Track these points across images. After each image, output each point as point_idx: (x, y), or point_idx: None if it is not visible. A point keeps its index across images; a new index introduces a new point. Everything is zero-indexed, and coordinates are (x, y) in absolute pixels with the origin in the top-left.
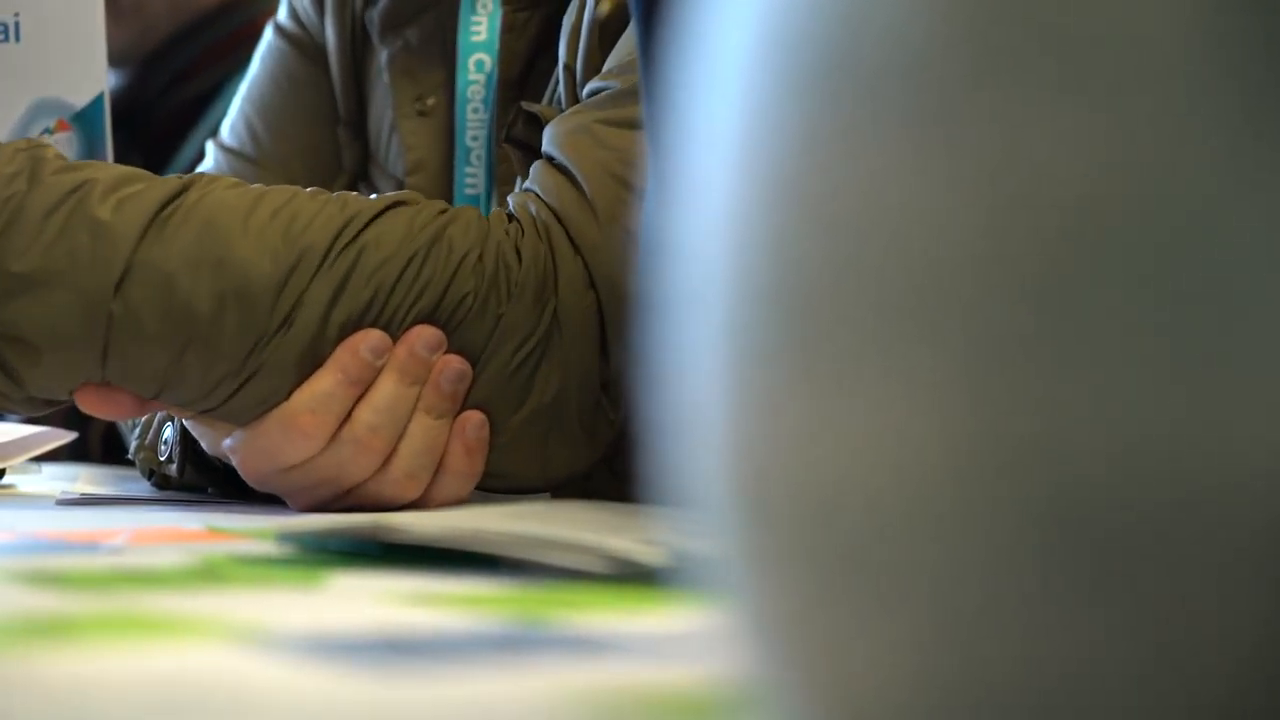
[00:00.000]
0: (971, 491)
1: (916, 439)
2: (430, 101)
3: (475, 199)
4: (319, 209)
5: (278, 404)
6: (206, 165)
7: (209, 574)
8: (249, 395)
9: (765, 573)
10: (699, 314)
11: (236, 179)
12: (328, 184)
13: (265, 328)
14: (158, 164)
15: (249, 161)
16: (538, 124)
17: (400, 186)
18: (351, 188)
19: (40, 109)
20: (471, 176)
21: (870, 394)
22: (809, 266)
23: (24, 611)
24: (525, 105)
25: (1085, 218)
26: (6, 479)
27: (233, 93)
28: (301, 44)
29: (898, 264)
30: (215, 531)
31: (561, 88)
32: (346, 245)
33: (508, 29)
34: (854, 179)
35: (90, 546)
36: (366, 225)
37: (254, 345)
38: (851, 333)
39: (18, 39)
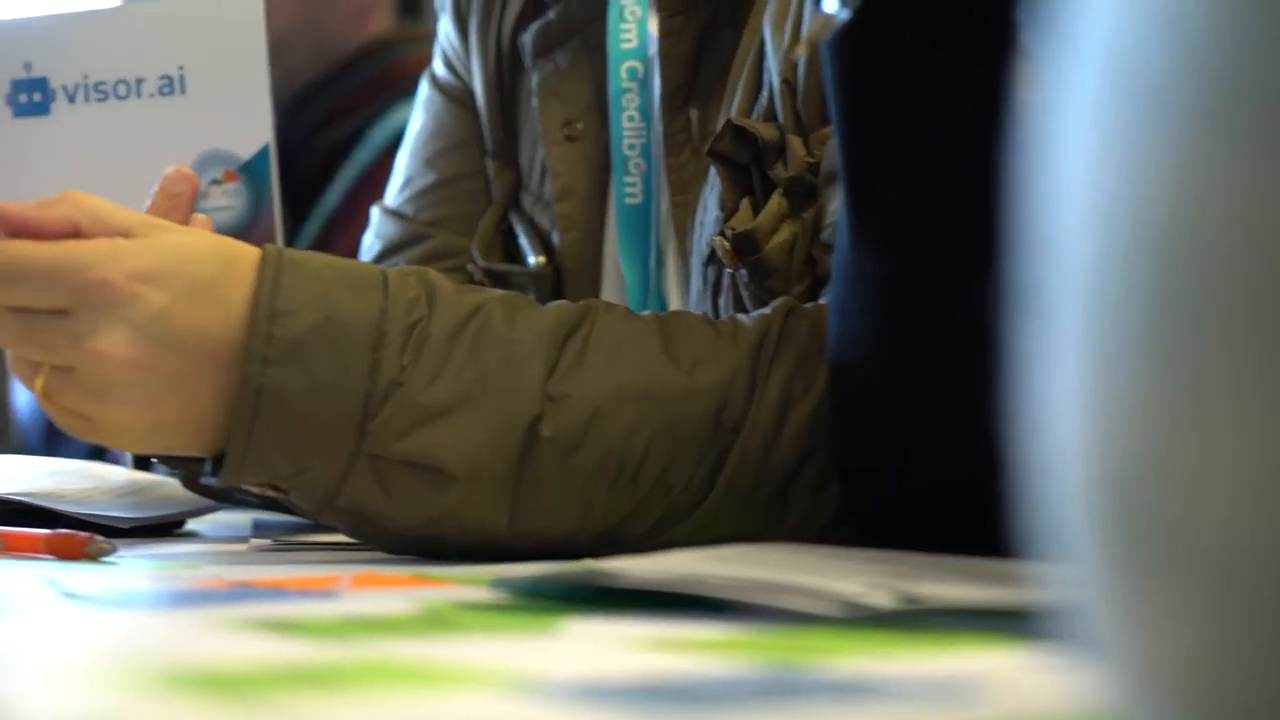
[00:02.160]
0: None
1: None
2: (579, 126)
3: (635, 209)
4: (714, 334)
5: None
6: (372, 231)
7: (438, 621)
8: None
9: (1168, 621)
10: (1074, 359)
11: (626, 308)
12: (478, 217)
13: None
14: (300, 210)
15: (409, 221)
16: (744, 138)
17: (553, 213)
18: (502, 219)
19: (208, 160)
20: (631, 186)
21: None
22: (1195, 299)
23: (275, 660)
24: (736, 120)
25: None
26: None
27: (374, 138)
28: (448, 89)
29: None
30: (423, 578)
31: (779, 102)
32: (770, 368)
33: (665, 35)
34: (1251, 209)
35: (316, 595)
36: (780, 340)
37: (689, 476)
38: (1242, 363)
39: (184, 91)
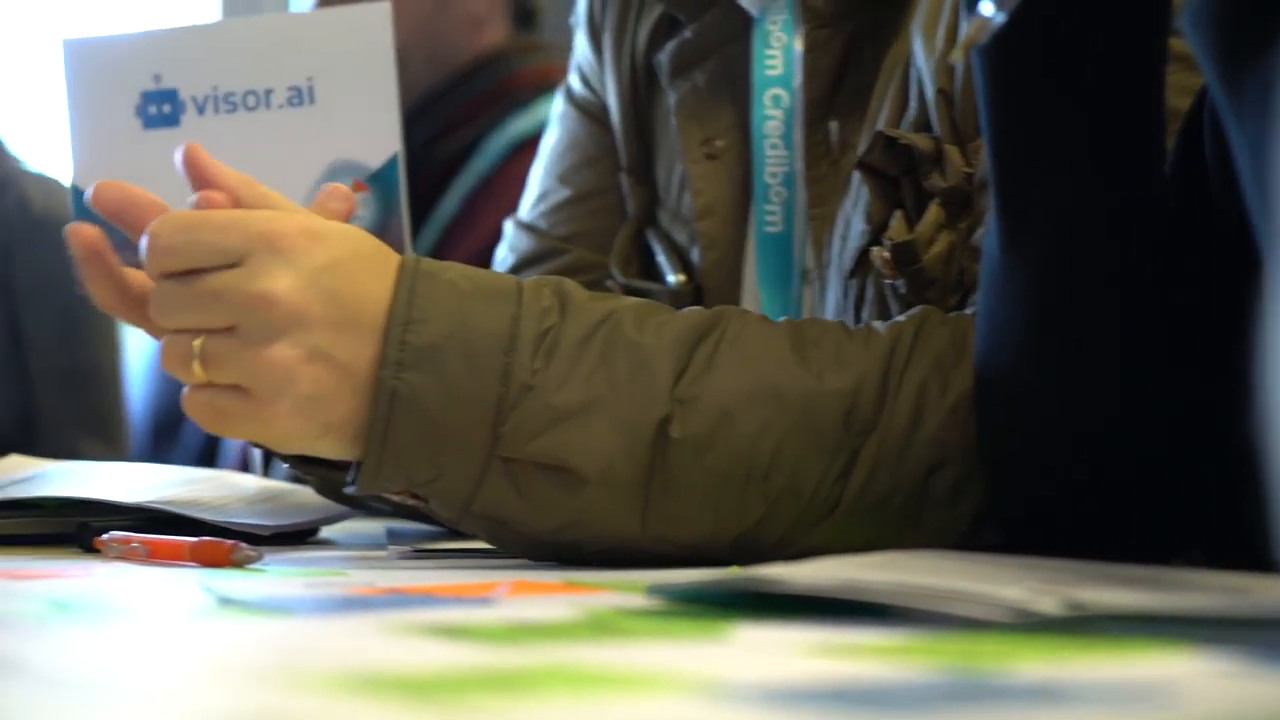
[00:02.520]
0: None
1: None
2: (719, 144)
3: (774, 236)
4: (846, 338)
5: None
6: (505, 244)
7: (602, 627)
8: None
9: None
10: None
11: (761, 315)
12: (613, 232)
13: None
14: (416, 219)
15: (543, 235)
16: (895, 150)
17: (692, 231)
18: (638, 235)
19: (337, 170)
20: (771, 214)
21: None
22: None
23: (455, 664)
24: (887, 131)
25: None
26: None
27: (490, 148)
28: (583, 105)
29: None
30: (575, 584)
31: (934, 112)
32: (904, 372)
33: (810, 48)
34: None
35: (471, 601)
36: (914, 345)
37: (819, 479)
38: None
39: (313, 102)
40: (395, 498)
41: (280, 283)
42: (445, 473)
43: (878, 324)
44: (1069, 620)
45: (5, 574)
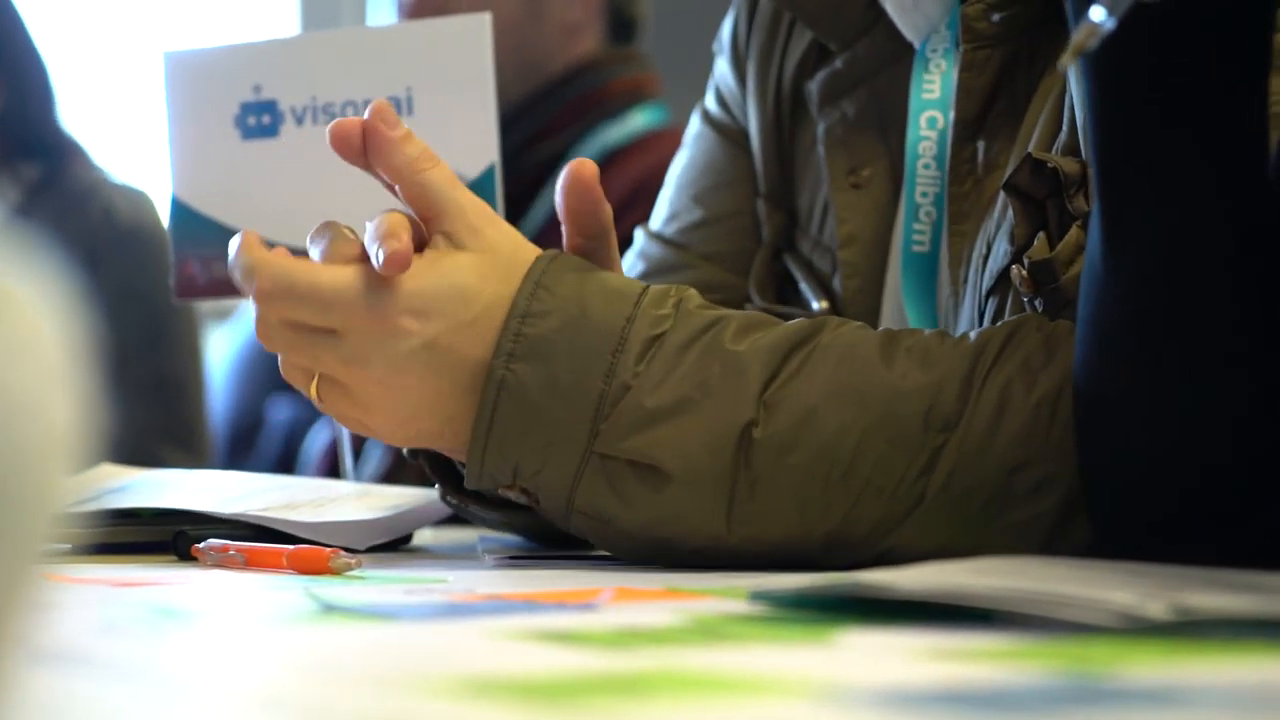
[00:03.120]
0: None
1: None
2: (865, 173)
3: (921, 257)
4: (938, 341)
5: None
6: (635, 251)
7: (710, 632)
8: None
9: None
10: None
11: (861, 323)
12: (752, 251)
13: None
14: None
15: (675, 247)
16: (1043, 173)
17: (833, 258)
18: (774, 259)
19: None
20: (919, 234)
21: None
22: None
23: (571, 669)
24: (1036, 154)
25: None
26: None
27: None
28: (722, 127)
29: None
30: (677, 591)
31: (1082, 136)
32: (989, 372)
33: (966, 67)
34: None
35: (574, 608)
36: (1004, 346)
37: (901, 476)
38: None
39: (410, 112)
40: (513, 495)
41: (372, 367)
42: (547, 464)
43: (974, 330)
44: (1177, 625)
45: (108, 582)
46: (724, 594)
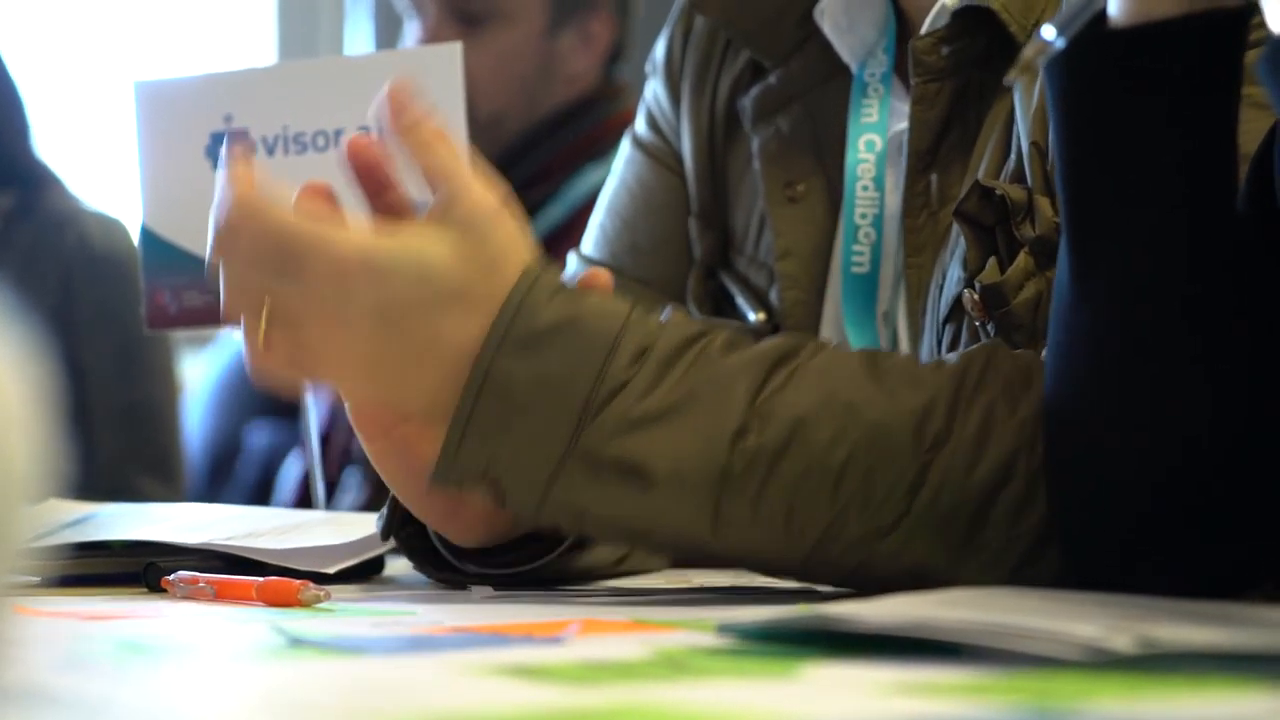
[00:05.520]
0: None
1: None
2: (801, 188)
3: (861, 278)
4: (917, 363)
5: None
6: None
7: (676, 666)
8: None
9: None
10: None
11: (840, 345)
12: (684, 274)
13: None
14: None
15: (615, 274)
16: (991, 200)
17: (770, 273)
18: (707, 278)
19: None
20: (859, 255)
21: None
22: None
23: (534, 706)
24: (984, 181)
25: None
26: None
27: (568, 195)
28: (652, 151)
29: None
30: (644, 623)
31: (1028, 164)
32: (974, 393)
33: (917, 100)
34: None
35: (541, 641)
36: (984, 370)
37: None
38: None
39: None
40: (478, 490)
41: (336, 316)
42: (525, 462)
43: (949, 355)
44: (1143, 658)
45: (75, 615)
46: (691, 626)
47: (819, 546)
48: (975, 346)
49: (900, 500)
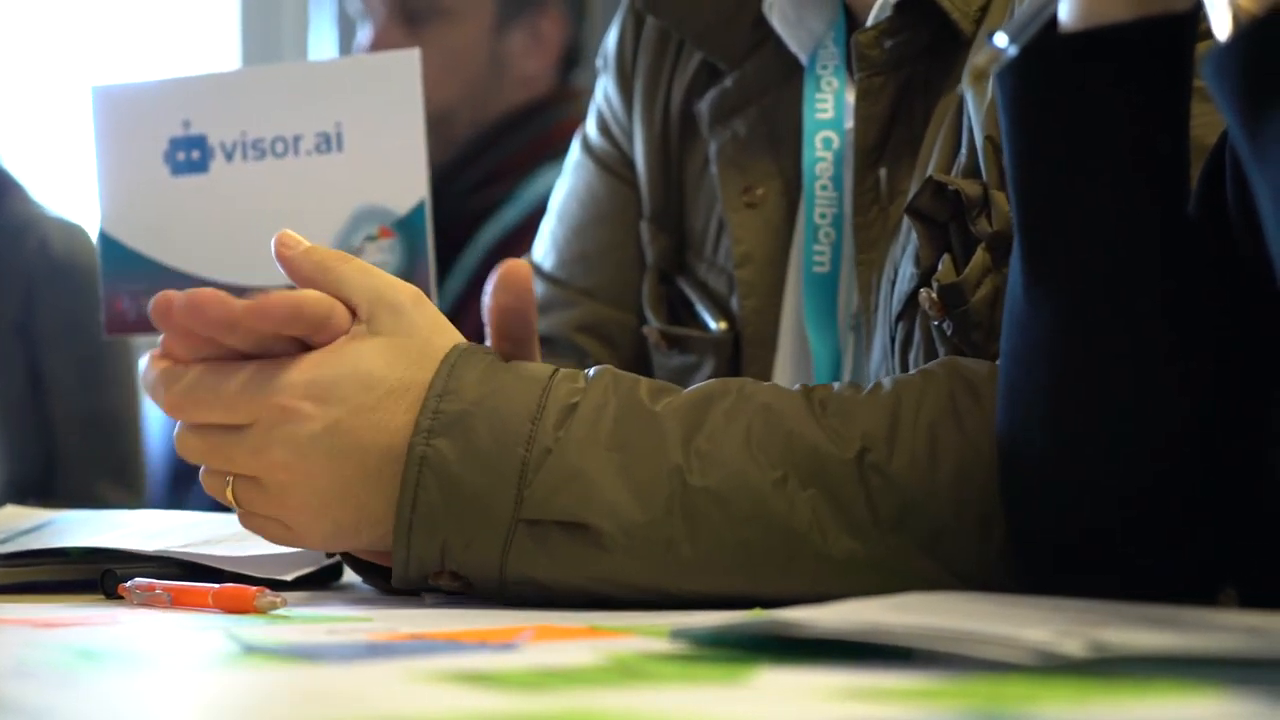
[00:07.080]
0: None
1: None
2: (759, 192)
3: (822, 278)
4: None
5: None
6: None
7: (628, 672)
8: None
9: None
10: None
11: (774, 384)
12: (634, 282)
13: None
14: (444, 266)
15: (555, 283)
16: (944, 195)
17: (730, 279)
18: (661, 281)
19: (363, 216)
20: (819, 255)
21: None
22: None
23: (479, 712)
24: (937, 177)
25: None
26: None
27: (522, 198)
28: (601, 158)
29: None
30: (599, 629)
31: (983, 159)
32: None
33: (862, 95)
34: None
35: (494, 647)
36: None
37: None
38: None
39: (340, 148)
40: (443, 584)
41: (279, 453)
42: (475, 539)
43: (886, 380)
44: (1093, 662)
45: (31, 622)
46: (646, 632)
47: (780, 585)
48: (919, 370)
49: (854, 530)
